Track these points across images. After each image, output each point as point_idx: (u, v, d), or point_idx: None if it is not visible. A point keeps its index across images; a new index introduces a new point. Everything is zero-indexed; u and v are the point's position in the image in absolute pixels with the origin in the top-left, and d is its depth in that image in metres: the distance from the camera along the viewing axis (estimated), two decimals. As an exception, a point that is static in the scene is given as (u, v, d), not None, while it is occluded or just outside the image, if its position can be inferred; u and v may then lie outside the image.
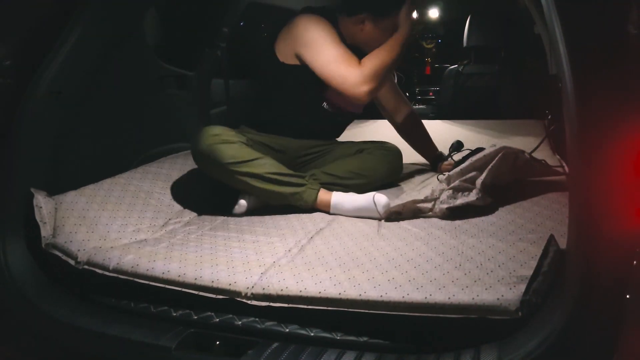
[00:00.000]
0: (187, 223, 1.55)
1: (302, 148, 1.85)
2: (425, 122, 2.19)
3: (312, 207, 1.59)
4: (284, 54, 1.73)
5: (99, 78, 1.60)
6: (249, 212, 1.61)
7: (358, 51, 1.73)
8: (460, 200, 1.42)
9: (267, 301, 1.07)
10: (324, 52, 1.64)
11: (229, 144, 1.54)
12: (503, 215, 1.38)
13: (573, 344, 0.82)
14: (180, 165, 1.81)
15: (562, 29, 0.88)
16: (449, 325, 0.95)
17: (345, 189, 1.66)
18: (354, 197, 1.57)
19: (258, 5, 2.56)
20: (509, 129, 3.06)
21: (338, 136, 2.05)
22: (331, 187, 1.67)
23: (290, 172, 1.62)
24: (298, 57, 1.70)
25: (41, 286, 1.26)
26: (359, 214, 1.54)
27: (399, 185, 1.90)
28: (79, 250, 1.27)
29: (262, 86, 1.87)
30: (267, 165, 1.57)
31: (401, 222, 1.45)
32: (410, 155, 2.17)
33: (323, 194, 1.60)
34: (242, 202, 1.61)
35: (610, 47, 0.87)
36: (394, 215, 1.48)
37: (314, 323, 1.05)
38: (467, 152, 2.01)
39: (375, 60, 1.63)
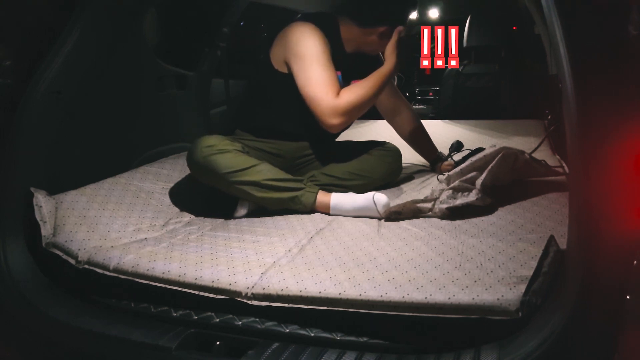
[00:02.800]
0: (187, 223, 1.55)
1: (299, 150, 1.82)
2: (425, 122, 2.18)
3: (311, 210, 1.59)
4: (277, 61, 1.71)
5: (99, 78, 1.60)
6: (249, 214, 1.61)
7: (357, 57, 1.73)
8: (460, 200, 1.42)
9: (267, 301, 1.07)
10: (308, 70, 1.61)
11: (224, 154, 1.53)
12: (503, 215, 1.38)
13: (573, 345, 0.82)
14: (182, 166, 1.81)
15: (562, 29, 0.88)
16: (449, 325, 0.95)
17: (345, 189, 1.65)
18: (353, 197, 1.57)
19: (258, 5, 2.56)
20: (509, 129, 3.06)
21: (336, 137, 2.04)
22: (330, 188, 1.67)
23: (288, 176, 1.61)
24: (287, 65, 1.68)
25: (41, 286, 1.26)
26: (359, 214, 1.54)
27: (399, 186, 1.90)
28: (79, 249, 1.27)
29: (257, 90, 1.84)
30: (263, 171, 1.56)
31: (401, 222, 1.44)
32: (410, 156, 2.17)
33: (322, 196, 1.59)
34: (242, 211, 1.60)
35: (610, 48, 0.87)
36: (393, 215, 1.48)
37: (314, 323, 1.05)
38: (467, 152, 2.02)
39: (353, 96, 1.60)
